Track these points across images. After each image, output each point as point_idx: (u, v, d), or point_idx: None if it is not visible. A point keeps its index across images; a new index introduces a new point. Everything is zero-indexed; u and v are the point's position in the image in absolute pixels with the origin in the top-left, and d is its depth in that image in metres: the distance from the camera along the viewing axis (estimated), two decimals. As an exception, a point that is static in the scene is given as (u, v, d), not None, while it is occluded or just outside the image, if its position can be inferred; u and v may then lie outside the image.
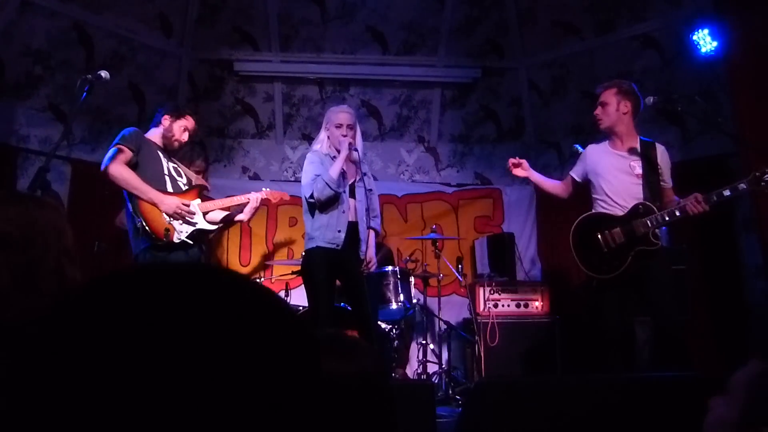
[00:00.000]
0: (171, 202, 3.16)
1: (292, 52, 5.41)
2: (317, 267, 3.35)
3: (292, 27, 5.30)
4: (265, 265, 5.36)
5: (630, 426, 1.92)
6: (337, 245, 3.32)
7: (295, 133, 5.76)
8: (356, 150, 3.44)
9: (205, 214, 3.34)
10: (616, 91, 3.23)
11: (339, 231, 3.34)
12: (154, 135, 3.39)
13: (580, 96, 5.30)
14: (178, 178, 3.39)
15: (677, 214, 2.98)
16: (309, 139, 5.77)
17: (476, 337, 4.46)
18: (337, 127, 3.47)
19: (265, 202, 3.63)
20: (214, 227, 3.40)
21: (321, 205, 3.35)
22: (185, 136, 3.43)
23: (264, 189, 3.74)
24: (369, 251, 3.53)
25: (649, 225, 3.02)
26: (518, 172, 3.51)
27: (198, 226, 3.26)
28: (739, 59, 3.99)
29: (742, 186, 2.85)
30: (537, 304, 4.69)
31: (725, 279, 4.45)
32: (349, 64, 5.48)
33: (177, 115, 3.40)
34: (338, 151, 3.42)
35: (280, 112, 5.62)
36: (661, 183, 3.18)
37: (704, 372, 4.20)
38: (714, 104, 4.42)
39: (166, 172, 3.31)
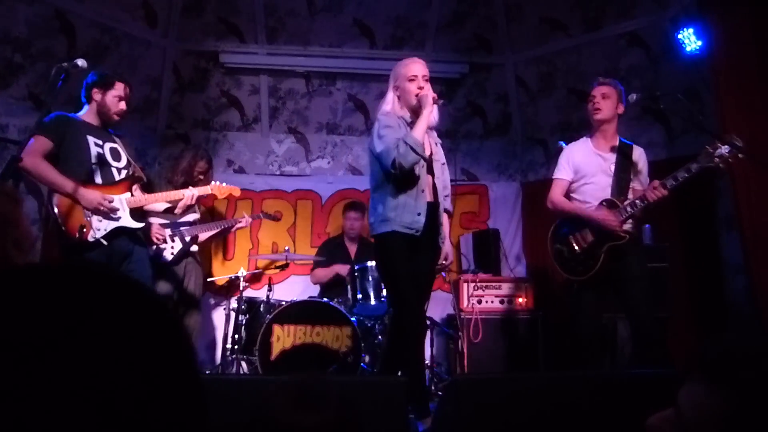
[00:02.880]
0: (91, 197, 2.89)
1: (278, 44, 5.36)
2: (399, 258, 2.81)
3: (278, 19, 5.24)
4: (249, 258, 5.33)
5: (607, 423, 1.92)
6: (417, 231, 2.81)
7: (280, 126, 5.72)
8: (442, 101, 2.90)
9: (134, 210, 3.05)
10: (618, 90, 3.29)
11: (419, 214, 2.81)
12: (88, 114, 3.13)
13: (566, 93, 5.30)
14: (114, 163, 3.09)
15: (638, 203, 3.03)
16: (295, 132, 5.73)
17: (459, 333, 4.46)
18: (410, 80, 2.90)
19: (210, 198, 3.44)
20: (142, 225, 3.10)
21: (401, 178, 2.79)
22: (122, 105, 3.15)
23: (214, 182, 3.66)
24: (447, 243, 3.00)
25: None
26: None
27: (120, 223, 2.97)
28: (722, 58, 4.01)
29: (695, 165, 2.91)
30: (521, 300, 4.69)
31: (706, 277, 4.48)
32: (336, 57, 5.43)
33: (106, 86, 3.12)
34: (414, 112, 2.89)
35: (266, 104, 5.58)
36: (632, 185, 3.20)
37: (685, 369, 4.25)
38: (698, 103, 4.43)
39: (94, 160, 3.01)
